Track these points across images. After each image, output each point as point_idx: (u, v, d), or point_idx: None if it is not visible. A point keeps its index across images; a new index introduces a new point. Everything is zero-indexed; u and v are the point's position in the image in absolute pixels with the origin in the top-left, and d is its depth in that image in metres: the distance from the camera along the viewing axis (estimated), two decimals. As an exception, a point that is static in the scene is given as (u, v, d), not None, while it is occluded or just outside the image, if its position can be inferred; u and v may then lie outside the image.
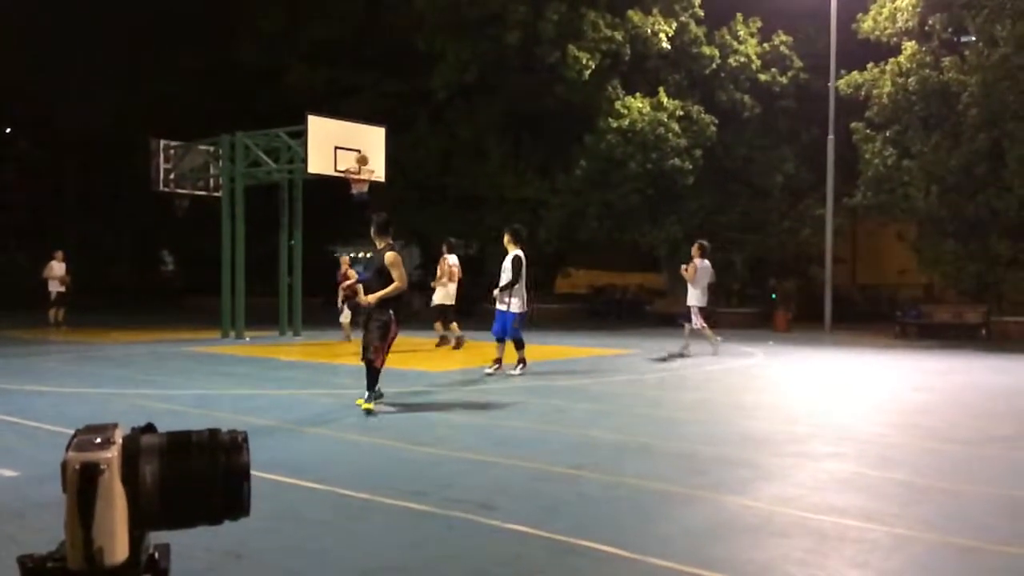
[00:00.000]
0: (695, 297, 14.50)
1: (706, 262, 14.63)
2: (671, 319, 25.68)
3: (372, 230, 8.50)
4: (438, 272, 15.69)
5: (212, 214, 19.16)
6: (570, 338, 19.07)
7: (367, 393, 8.11)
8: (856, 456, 6.51)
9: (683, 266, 14.94)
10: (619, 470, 5.85)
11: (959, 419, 8.34)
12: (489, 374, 11.07)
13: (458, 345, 15.02)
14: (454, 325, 15.18)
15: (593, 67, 23.35)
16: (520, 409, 8.66)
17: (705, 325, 14.50)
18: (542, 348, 15.38)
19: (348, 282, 14.90)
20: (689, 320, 14.57)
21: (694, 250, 14.74)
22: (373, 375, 8.12)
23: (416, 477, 5.63)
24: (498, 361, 11.23)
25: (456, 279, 15.37)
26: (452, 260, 15.54)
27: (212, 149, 18.99)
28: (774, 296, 27.35)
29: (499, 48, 23.89)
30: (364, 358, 8.16)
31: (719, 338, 14.85)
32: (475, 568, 3.89)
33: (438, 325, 15.43)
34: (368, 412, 7.98)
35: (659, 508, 4.96)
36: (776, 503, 5.05)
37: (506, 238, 11.51)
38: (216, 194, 18.80)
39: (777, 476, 5.78)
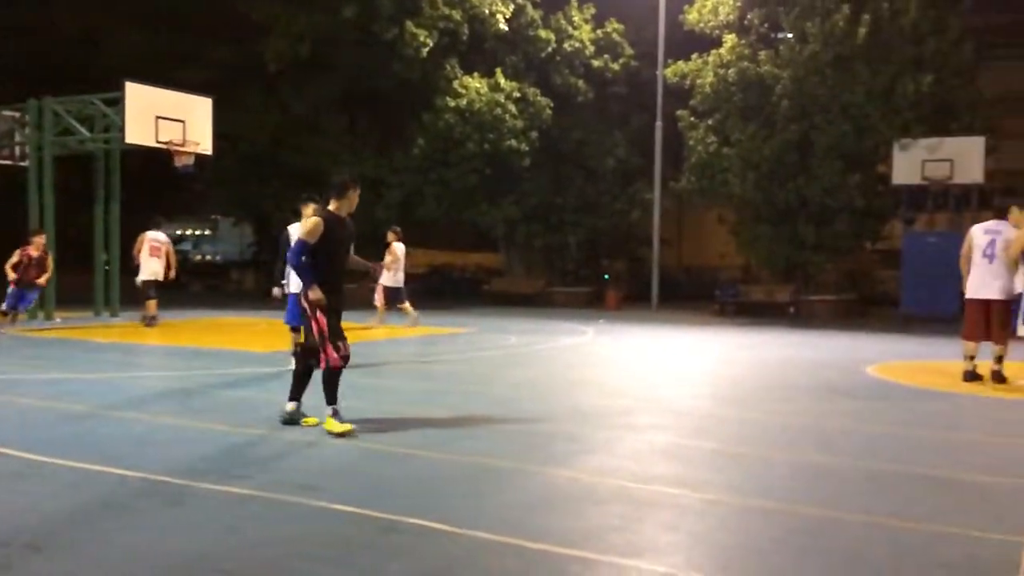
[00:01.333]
0: (390, 279, 14.88)
1: (402, 246, 15.00)
2: (508, 298, 26.13)
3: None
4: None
5: (20, 185, 17.73)
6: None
7: (329, 409, 6.31)
8: (674, 427, 6.85)
9: (387, 254, 15.36)
10: (450, 448, 5.88)
11: (767, 390, 8.94)
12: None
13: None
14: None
15: (431, 45, 23.24)
16: (352, 389, 8.54)
17: (406, 304, 15.02)
18: (377, 328, 15.24)
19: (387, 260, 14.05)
20: (402, 301, 14.96)
21: (391, 235, 15.11)
22: (301, 379, 6.54)
23: (238, 460, 5.45)
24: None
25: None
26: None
27: (18, 115, 17.53)
28: (607, 276, 28.32)
29: (335, 22, 23.32)
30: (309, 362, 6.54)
31: (415, 313, 15.25)
32: (296, 551, 3.81)
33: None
34: (344, 434, 6.16)
35: (488, 484, 5.03)
36: (599, 474, 5.24)
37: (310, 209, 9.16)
38: (23, 163, 17.40)
39: (602, 448, 5.99)
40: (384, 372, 9.77)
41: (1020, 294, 9.25)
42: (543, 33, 24.90)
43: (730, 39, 21.74)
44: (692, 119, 22.62)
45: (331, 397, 6.31)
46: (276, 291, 9.34)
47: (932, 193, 21.07)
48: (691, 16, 22.55)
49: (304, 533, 4.04)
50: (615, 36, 25.61)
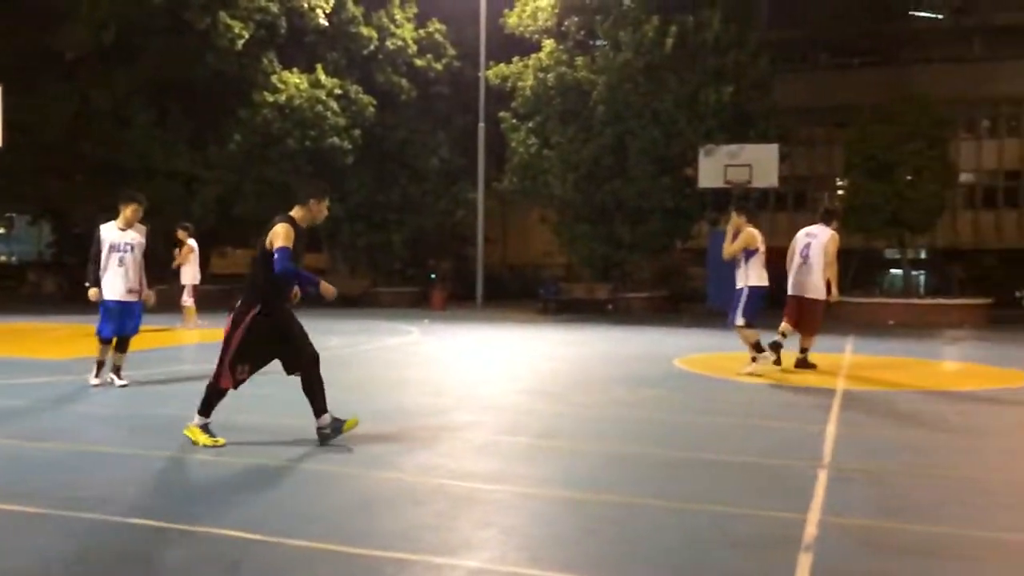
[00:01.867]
0: (189, 276, 15.04)
1: (193, 241, 15.15)
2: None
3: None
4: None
5: None
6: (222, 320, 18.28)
7: (199, 419, 5.97)
8: (493, 423, 7.00)
9: (176, 251, 15.25)
10: (268, 454, 5.74)
11: (583, 384, 9.29)
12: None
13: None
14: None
15: (247, 37, 22.46)
16: (161, 396, 8.16)
17: (190, 304, 15.12)
18: (191, 333, 14.60)
19: None
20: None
21: (181, 233, 15.07)
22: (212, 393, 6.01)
23: (32, 476, 5.08)
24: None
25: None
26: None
27: None
28: (433, 276, 28.41)
29: (143, 9, 22.06)
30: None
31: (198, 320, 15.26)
32: (88, 570, 3.61)
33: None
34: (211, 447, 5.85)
35: (307, 488, 4.95)
36: (418, 473, 5.28)
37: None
38: None
39: (422, 447, 6.03)
40: (200, 376, 9.37)
41: (743, 289, 9.95)
42: (365, 30, 24.64)
43: (549, 44, 22.36)
44: (514, 121, 23.09)
45: (206, 408, 5.95)
46: (93, 292, 8.65)
47: (734, 196, 22.57)
48: (511, 20, 23.01)
49: (100, 549, 3.83)
50: (437, 36, 25.73)
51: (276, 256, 5.67)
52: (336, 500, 4.71)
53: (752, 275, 9.86)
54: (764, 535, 4.17)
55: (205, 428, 5.93)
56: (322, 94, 23.24)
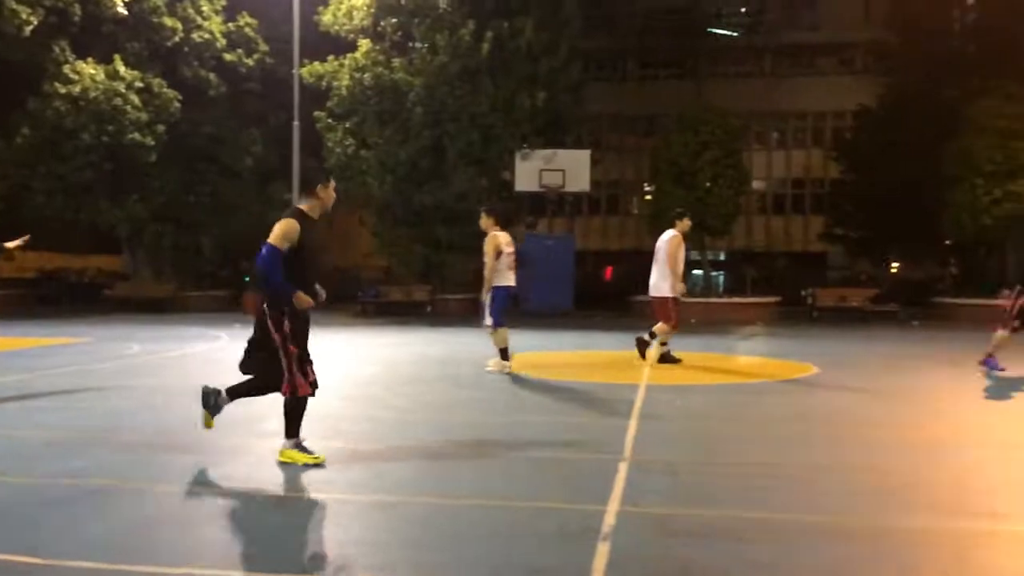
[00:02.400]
0: None
1: None
2: (136, 304, 24.17)
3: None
4: None
5: None
6: (12, 328, 16.81)
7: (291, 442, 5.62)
8: (304, 429, 6.79)
9: None
10: (44, 471, 5.30)
11: (398, 387, 9.23)
12: None
13: None
14: None
15: (35, 23, 20.76)
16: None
17: None
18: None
19: None
20: None
21: None
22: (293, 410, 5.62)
23: None
24: None
25: None
26: None
27: None
28: (248, 279, 27.38)
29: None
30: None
31: None
32: None
33: None
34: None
35: (91, 507, 4.61)
36: (216, 486, 5.05)
37: None
38: None
39: (224, 459, 5.77)
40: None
41: (500, 289, 10.45)
42: (168, 21, 23.38)
43: (365, 44, 22.09)
44: (330, 121, 22.64)
45: (294, 428, 5.56)
46: None
47: (550, 199, 23.20)
48: (326, 18, 22.56)
49: None
50: (248, 31, 24.81)
51: (263, 250, 5.32)
52: (117, 519, 4.41)
53: (498, 276, 10.21)
54: (567, 528, 4.29)
55: (300, 447, 5.56)
56: (121, 86, 21.84)
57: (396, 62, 21.87)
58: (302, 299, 5.36)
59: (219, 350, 13.33)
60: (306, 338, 5.57)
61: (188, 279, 26.13)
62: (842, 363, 11.72)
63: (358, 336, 16.18)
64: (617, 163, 35.57)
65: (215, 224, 25.23)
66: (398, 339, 15.39)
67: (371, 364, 11.53)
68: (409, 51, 22.64)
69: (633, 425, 6.96)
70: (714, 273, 29.46)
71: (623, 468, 5.48)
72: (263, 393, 5.80)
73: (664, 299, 11.01)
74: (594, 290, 27.82)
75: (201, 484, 5.07)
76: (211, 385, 5.86)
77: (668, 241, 11.00)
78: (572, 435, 6.63)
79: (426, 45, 21.89)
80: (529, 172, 21.59)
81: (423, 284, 23.68)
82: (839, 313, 21.74)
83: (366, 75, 21.73)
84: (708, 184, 22.33)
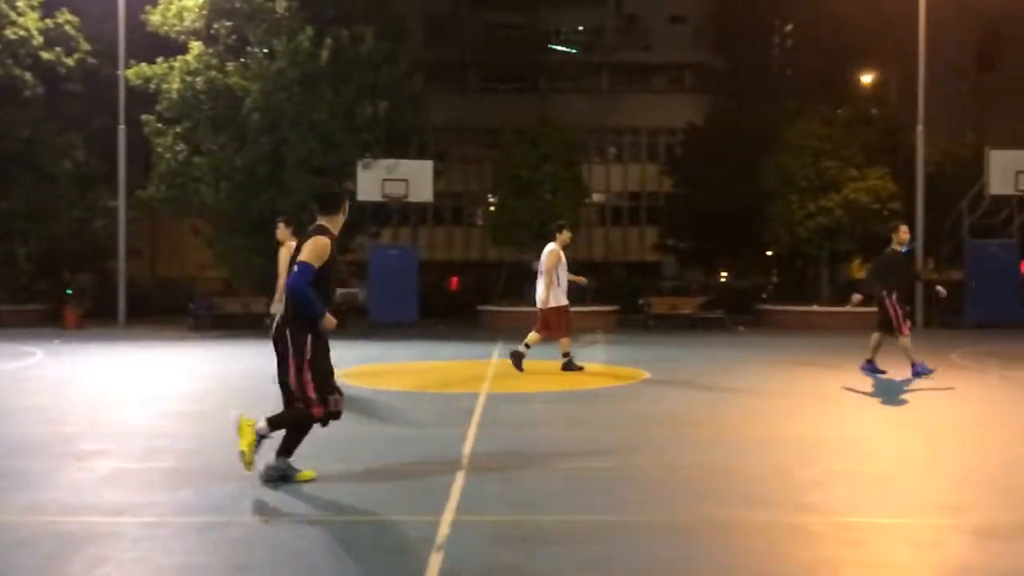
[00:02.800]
0: None
1: None
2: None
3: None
4: None
5: None
6: None
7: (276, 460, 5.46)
8: (125, 451, 6.44)
9: None
10: None
11: (230, 404, 8.86)
12: None
13: None
14: None
15: None
16: None
17: None
18: None
19: None
20: None
21: None
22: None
23: None
24: None
25: None
26: None
27: None
28: (70, 291, 25.59)
29: None
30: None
31: None
32: None
33: None
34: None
35: None
36: (26, 511, 4.69)
37: None
38: None
39: (33, 482, 5.37)
40: None
41: None
42: (-23, 15, 21.60)
43: (197, 47, 21.17)
44: (159, 125, 21.54)
45: (279, 429, 5.45)
46: None
47: (394, 209, 23.01)
48: (154, 18, 21.46)
49: None
50: (69, 28, 23.24)
51: (296, 269, 5.20)
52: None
53: None
54: (403, 540, 4.27)
55: (258, 443, 5.34)
56: (-81, 83, 20.01)
57: (230, 66, 21.07)
58: (329, 321, 5.28)
59: (34, 367, 12.41)
60: (328, 360, 5.49)
61: (2, 292, 24.17)
62: (672, 368, 12.25)
63: (188, 351, 15.46)
64: (460, 174, 35.78)
65: (31, 232, 23.48)
66: (233, 352, 14.82)
67: (200, 380, 11.04)
68: (244, 55, 21.88)
69: (472, 433, 7.00)
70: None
71: (460, 477, 5.50)
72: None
73: (551, 310, 11.28)
74: (440, 301, 27.83)
75: (6, 511, 4.68)
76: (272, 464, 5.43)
77: (548, 255, 11.34)
78: (411, 446, 6.60)
79: (263, 50, 21.24)
80: (372, 181, 21.33)
81: (262, 295, 22.91)
82: (672, 320, 22.71)
83: (198, 79, 20.81)
84: (549, 196, 22.81)
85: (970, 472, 5.88)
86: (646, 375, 11.27)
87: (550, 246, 11.46)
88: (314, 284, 5.20)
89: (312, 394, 5.31)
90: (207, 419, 7.86)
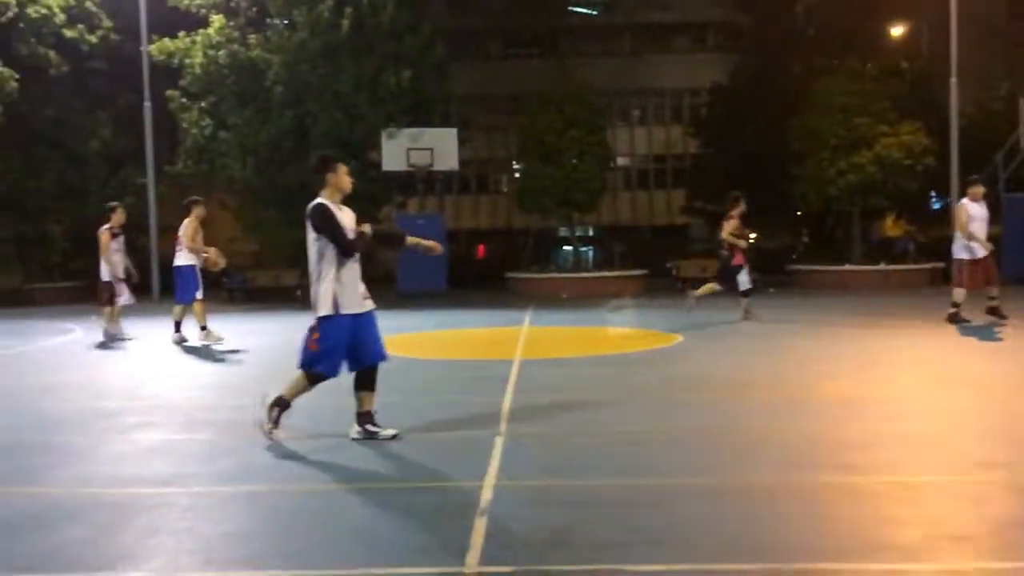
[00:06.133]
0: None
1: None
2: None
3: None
4: None
5: None
6: None
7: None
8: (165, 424, 6.52)
9: None
10: None
11: (267, 375, 8.93)
12: None
13: None
14: None
15: None
16: None
17: None
18: None
19: None
20: None
21: None
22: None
23: None
24: None
25: None
26: None
27: None
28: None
29: None
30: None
31: None
32: None
33: None
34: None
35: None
36: (73, 484, 4.77)
37: None
38: None
39: (79, 456, 5.46)
40: None
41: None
42: (0, -6, 21.68)
43: (218, 20, 21.13)
44: (184, 100, 21.60)
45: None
46: None
47: (419, 179, 22.95)
48: (174, -8, 21.46)
49: None
50: (90, 5, 23.28)
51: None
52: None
53: (181, 256, 12.04)
54: (446, 505, 4.29)
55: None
56: (-53, 64, 20.18)
57: (252, 39, 21.03)
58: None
59: (73, 344, 12.58)
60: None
61: (36, 271, 24.51)
62: (704, 331, 12.18)
63: (224, 323, 15.55)
64: (485, 142, 35.59)
65: (63, 212, 23.73)
66: (266, 325, 14.96)
67: (237, 352, 11.12)
68: (265, 28, 21.81)
69: (508, 400, 7.01)
70: (583, 248, 29.98)
71: (499, 443, 5.52)
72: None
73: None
74: (467, 269, 27.82)
75: (54, 484, 4.77)
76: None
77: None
78: (448, 413, 6.62)
79: (283, 22, 21.14)
80: (396, 151, 21.27)
81: (293, 267, 23.05)
82: (701, 282, 22.52)
83: (220, 52, 20.80)
84: (574, 161, 22.63)
85: (1018, 429, 5.81)
86: (678, 338, 11.22)
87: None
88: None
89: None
90: (244, 391, 7.93)
